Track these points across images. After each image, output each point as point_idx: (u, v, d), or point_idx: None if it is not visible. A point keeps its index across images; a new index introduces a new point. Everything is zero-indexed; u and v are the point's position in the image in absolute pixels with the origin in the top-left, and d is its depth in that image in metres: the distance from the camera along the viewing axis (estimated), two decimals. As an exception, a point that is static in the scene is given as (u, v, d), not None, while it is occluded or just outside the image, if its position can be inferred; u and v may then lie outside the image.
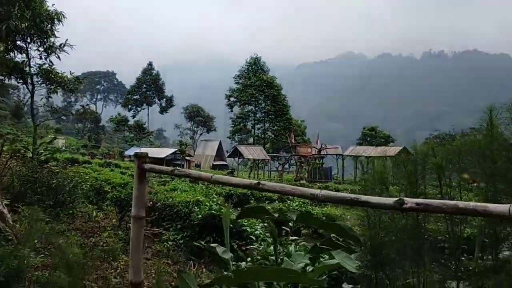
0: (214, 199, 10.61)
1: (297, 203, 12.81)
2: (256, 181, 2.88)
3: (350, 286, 4.31)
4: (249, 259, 5.05)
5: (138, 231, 3.75)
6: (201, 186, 19.53)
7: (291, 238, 5.75)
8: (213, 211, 8.54)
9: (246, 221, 8.73)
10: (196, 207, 9.42)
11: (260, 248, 5.60)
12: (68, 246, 5.78)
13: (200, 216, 8.57)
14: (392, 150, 41.15)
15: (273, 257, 5.10)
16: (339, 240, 2.90)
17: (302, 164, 42.05)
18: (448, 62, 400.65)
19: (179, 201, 10.05)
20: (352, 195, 2.33)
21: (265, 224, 9.85)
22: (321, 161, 42.26)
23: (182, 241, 8.78)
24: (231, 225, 8.45)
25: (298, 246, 5.19)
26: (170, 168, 3.61)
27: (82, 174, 12.96)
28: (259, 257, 4.98)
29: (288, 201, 13.72)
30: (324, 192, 2.47)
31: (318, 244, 3.08)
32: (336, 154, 43.14)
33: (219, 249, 4.63)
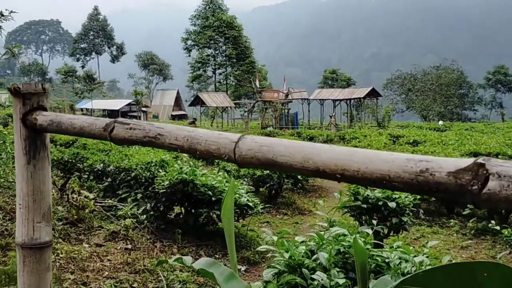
0: (185, 159, 8.36)
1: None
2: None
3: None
4: (270, 272, 2.94)
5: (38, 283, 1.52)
6: (162, 139, 17.19)
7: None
8: (184, 175, 6.34)
9: (217, 175, 6.66)
10: (160, 170, 7.22)
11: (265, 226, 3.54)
12: None
13: (167, 182, 6.37)
14: (360, 91, 39.39)
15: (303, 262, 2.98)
16: None
17: (267, 111, 39.60)
18: (400, 2, 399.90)
19: (138, 161, 7.80)
20: None
21: (252, 187, 7.79)
22: (286, 106, 39.88)
23: (144, 216, 6.63)
24: (196, 188, 6.23)
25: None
26: (106, 121, 1.37)
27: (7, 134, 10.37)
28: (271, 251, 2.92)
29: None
30: None
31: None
32: (302, 99, 40.80)
33: (217, 269, 2.37)
